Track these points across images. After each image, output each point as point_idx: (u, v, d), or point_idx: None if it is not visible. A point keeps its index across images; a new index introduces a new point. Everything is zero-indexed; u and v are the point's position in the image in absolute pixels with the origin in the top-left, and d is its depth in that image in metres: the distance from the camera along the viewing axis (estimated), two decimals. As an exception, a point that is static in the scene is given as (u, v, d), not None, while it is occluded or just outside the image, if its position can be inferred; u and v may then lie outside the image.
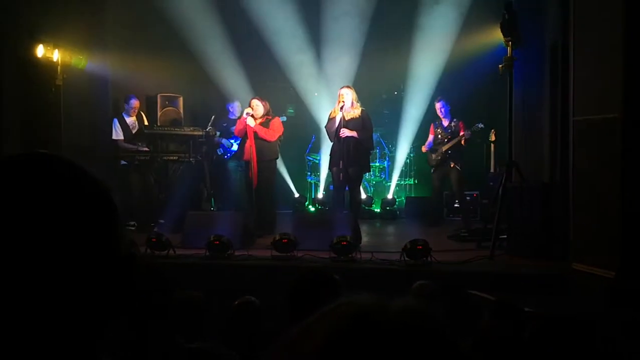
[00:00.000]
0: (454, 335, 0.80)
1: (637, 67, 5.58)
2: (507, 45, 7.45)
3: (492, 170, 10.54)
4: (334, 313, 0.79)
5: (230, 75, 11.11)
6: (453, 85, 10.76)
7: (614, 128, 5.78)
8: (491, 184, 9.94)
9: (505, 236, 7.33)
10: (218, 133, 9.99)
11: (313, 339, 0.77)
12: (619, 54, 5.67)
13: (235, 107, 10.18)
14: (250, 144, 8.51)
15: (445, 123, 9.63)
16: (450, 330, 0.80)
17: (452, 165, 9.47)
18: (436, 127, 9.74)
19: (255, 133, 8.52)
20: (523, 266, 6.63)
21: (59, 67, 8.59)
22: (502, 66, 7.48)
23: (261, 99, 8.77)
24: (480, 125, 9.42)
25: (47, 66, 8.49)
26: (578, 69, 6.38)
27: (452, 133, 9.49)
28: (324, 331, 0.77)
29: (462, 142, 9.36)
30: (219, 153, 10.04)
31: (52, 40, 8.54)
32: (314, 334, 0.78)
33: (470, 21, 10.53)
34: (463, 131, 9.36)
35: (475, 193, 10.69)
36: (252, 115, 8.55)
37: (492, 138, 10.34)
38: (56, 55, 8.56)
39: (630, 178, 5.65)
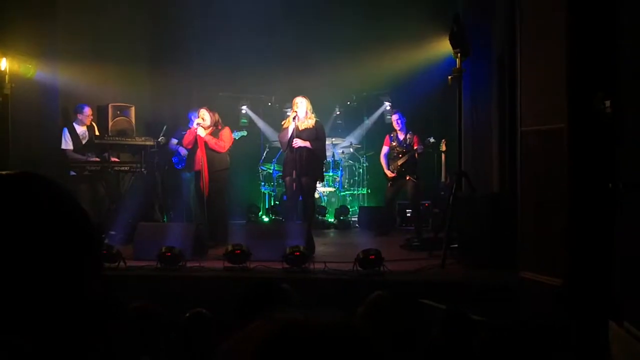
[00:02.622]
0: (380, 350, 0.81)
1: (582, 79, 5.72)
2: (456, 57, 7.57)
3: (443, 179, 10.68)
4: (259, 330, 0.80)
5: (182, 85, 11.03)
6: (404, 96, 10.92)
7: (560, 138, 5.91)
8: (442, 193, 10.07)
9: (456, 245, 7.42)
10: (175, 141, 9.89)
11: (240, 355, 0.78)
12: (563, 66, 5.81)
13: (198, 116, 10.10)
14: (201, 154, 8.45)
15: (401, 136, 9.73)
16: (377, 346, 0.81)
17: (407, 178, 9.59)
18: (392, 140, 9.83)
19: (205, 143, 8.48)
20: (473, 275, 6.72)
21: (6, 76, 8.41)
22: (451, 77, 7.59)
23: (209, 109, 8.71)
24: (432, 140, 9.54)
25: (-6, 75, 8.31)
26: (525, 80, 6.51)
27: (407, 147, 9.60)
28: (250, 348, 0.78)
29: (416, 155, 9.48)
30: (174, 162, 9.94)
31: (-1, 49, 8.37)
32: (241, 351, 0.79)
33: (421, 33, 10.67)
34: (417, 145, 9.48)
35: (427, 202, 10.80)
36: (202, 126, 8.51)
37: (443, 148, 10.47)
38: (4, 64, 8.38)
39: (576, 187, 5.78)
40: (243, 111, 12.50)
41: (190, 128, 8.76)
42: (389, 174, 9.77)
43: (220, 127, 8.66)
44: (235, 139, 9.17)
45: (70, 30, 9.91)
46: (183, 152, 9.70)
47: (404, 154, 9.59)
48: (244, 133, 10.14)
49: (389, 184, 9.89)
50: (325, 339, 0.78)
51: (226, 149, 8.65)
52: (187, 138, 8.63)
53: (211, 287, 6.37)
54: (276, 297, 2.79)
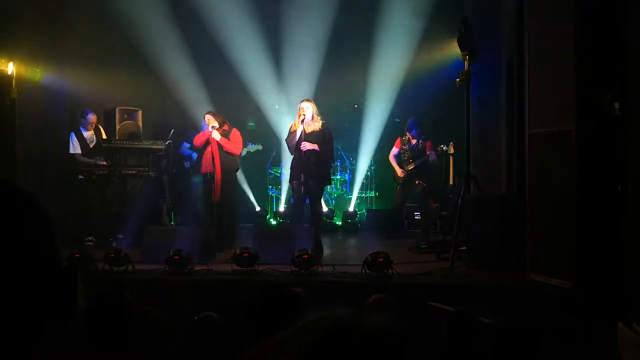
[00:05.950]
0: (415, 351, 0.81)
1: (590, 81, 5.71)
2: (464, 60, 7.56)
3: (451, 182, 10.65)
4: (310, 327, 0.79)
5: (189, 88, 11.05)
6: (412, 98, 10.90)
7: (568, 140, 5.90)
8: (450, 196, 10.03)
9: (464, 247, 7.40)
10: (188, 145, 9.90)
11: (288, 352, 0.78)
12: (572, 69, 5.80)
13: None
14: (214, 156, 8.48)
15: (413, 141, 9.71)
16: (411, 348, 0.81)
17: (417, 183, 9.58)
18: (403, 143, 9.82)
19: (220, 146, 8.51)
20: (482, 277, 6.70)
21: (13, 80, 8.45)
22: (460, 80, 7.59)
23: (214, 113, 8.74)
24: (444, 147, 9.52)
25: (1, 79, 8.34)
26: (533, 83, 6.50)
27: (418, 152, 9.59)
28: (300, 345, 0.77)
29: (430, 160, 9.49)
30: (186, 166, 9.95)
31: (7, 53, 8.40)
32: (290, 347, 0.78)
33: (429, 35, 10.66)
34: (429, 150, 9.46)
35: (435, 205, 10.79)
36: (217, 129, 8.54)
37: (451, 150, 10.44)
38: (11, 68, 8.42)
39: (585, 189, 5.77)
40: (250, 114, 12.50)
41: (203, 130, 8.77)
42: (400, 171, 9.73)
43: (228, 129, 8.67)
44: (250, 152, 9.18)
45: (77, 34, 9.94)
46: (196, 157, 9.72)
47: (414, 159, 9.58)
48: (260, 147, 10.13)
49: (398, 188, 9.86)
50: (373, 340, 0.78)
51: (240, 149, 8.72)
52: (200, 139, 8.64)
53: (219, 291, 6.37)
54: (288, 301, 2.77)
